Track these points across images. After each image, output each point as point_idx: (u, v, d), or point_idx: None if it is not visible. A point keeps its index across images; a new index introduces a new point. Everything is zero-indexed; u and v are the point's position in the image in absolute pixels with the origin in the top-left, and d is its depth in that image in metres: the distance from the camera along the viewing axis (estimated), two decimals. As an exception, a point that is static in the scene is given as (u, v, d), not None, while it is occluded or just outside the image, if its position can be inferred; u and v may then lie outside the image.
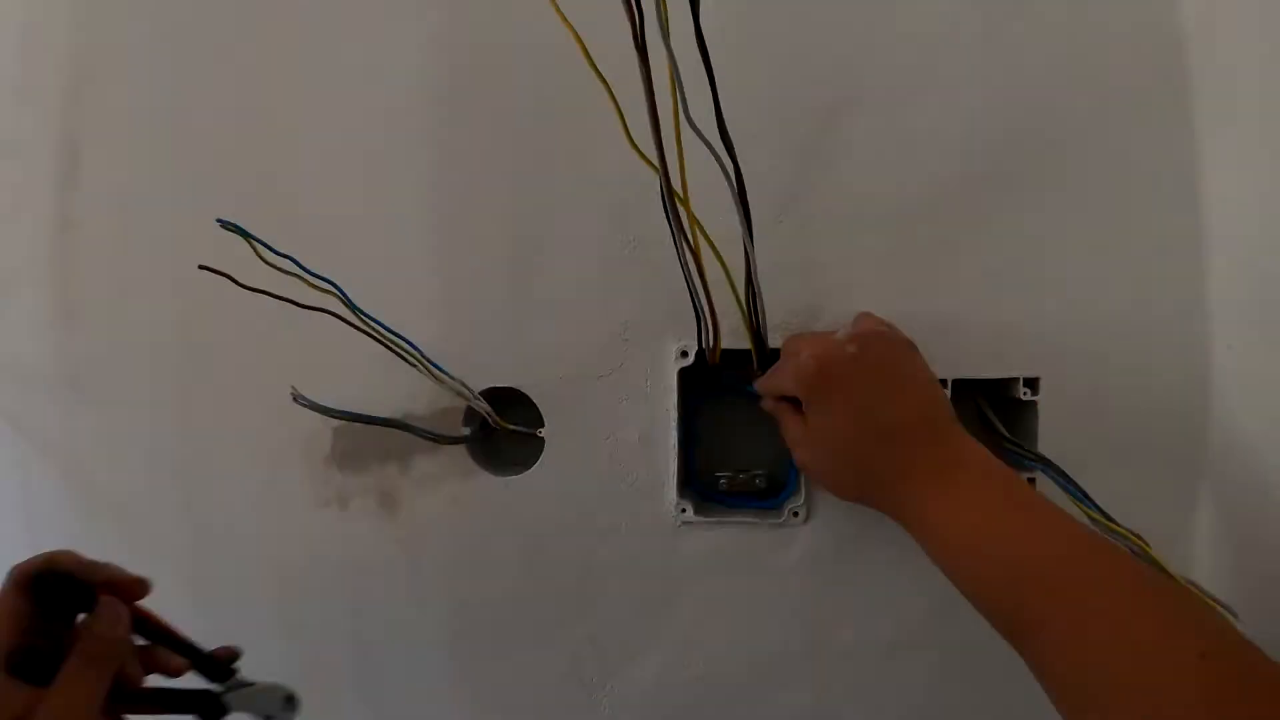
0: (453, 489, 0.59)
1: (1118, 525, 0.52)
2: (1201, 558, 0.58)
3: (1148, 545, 0.51)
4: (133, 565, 0.66)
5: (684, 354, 0.55)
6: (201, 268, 0.52)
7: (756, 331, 0.52)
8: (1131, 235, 0.58)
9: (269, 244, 0.52)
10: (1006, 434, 0.56)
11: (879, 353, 0.49)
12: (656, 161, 0.48)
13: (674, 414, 0.56)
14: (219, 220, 0.51)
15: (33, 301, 0.66)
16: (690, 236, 0.50)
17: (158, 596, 0.65)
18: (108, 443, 0.66)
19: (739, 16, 0.56)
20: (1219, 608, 0.49)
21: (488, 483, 0.59)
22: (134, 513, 0.67)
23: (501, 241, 0.58)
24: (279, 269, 0.52)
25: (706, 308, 0.52)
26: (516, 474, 0.59)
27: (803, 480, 0.57)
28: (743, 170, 0.48)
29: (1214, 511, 0.58)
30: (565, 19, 0.46)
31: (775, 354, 0.54)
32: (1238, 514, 0.56)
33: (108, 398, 0.66)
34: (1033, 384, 0.56)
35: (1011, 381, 0.56)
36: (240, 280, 0.52)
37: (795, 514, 0.56)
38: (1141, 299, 0.57)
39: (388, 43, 0.59)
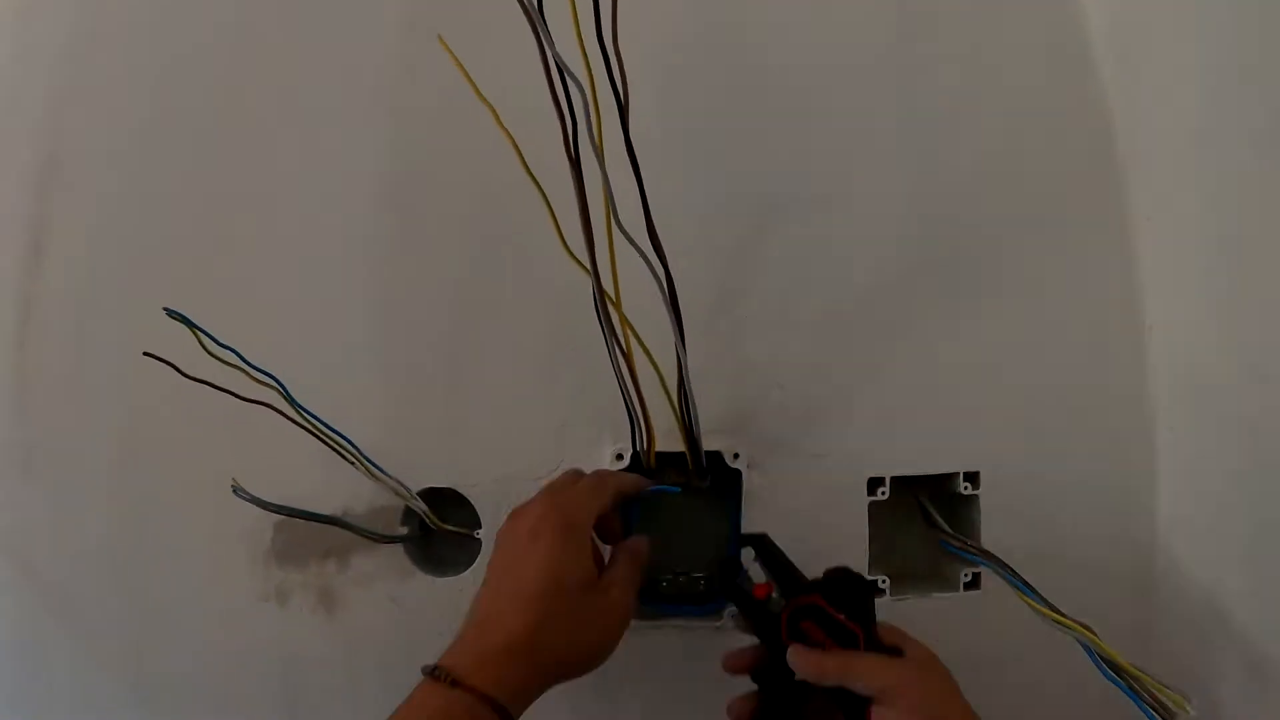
0: (390, 588, 0.59)
1: (1065, 618, 0.51)
2: (1157, 644, 0.57)
3: (1096, 636, 0.50)
4: (73, 650, 0.66)
5: (619, 456, 0.55)
6: (146, 354, 0.53)
7: (690, 433, 0.52)
8: (1068, 325, 0.58)
9: (213, 335, 0.53)
10: (948, 529, 0.56)
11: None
12: (589, 265, 0.49)
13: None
14: (165, 309, 0.52)
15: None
16: (622, 339, 0.51)
17: (94, 688, 0.65)
18: (53, 527, 0.66)
19: (670, 127, 0.57)
20: (1172, 695, 0.47)
21: (425, 583, 0.58)
22: (76, 595, 0.66)
23: (441, 341, 0.58)
24: (222, 360, 0.53)
25: (639, 410, 0.52)
26: (455, 574, 0.58)
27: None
28: (674, 274, 0.49)
29: (1167, 596, 0.57)
30: (504, 127, 0.48)
31: (711, 456, 0.54)
32: (1190, 597, 0.56)
33: (56, 482, 0.65)
34: (973, 478, 0.56)
35: (951, 476, 0.56)
36: (184, 370, 0.53)
37: (735, 617, 0.55)
38: (1081, 386, 0.58)
39: (339, 144, 0.60)
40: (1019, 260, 0.59)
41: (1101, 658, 0.49)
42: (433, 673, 0.42)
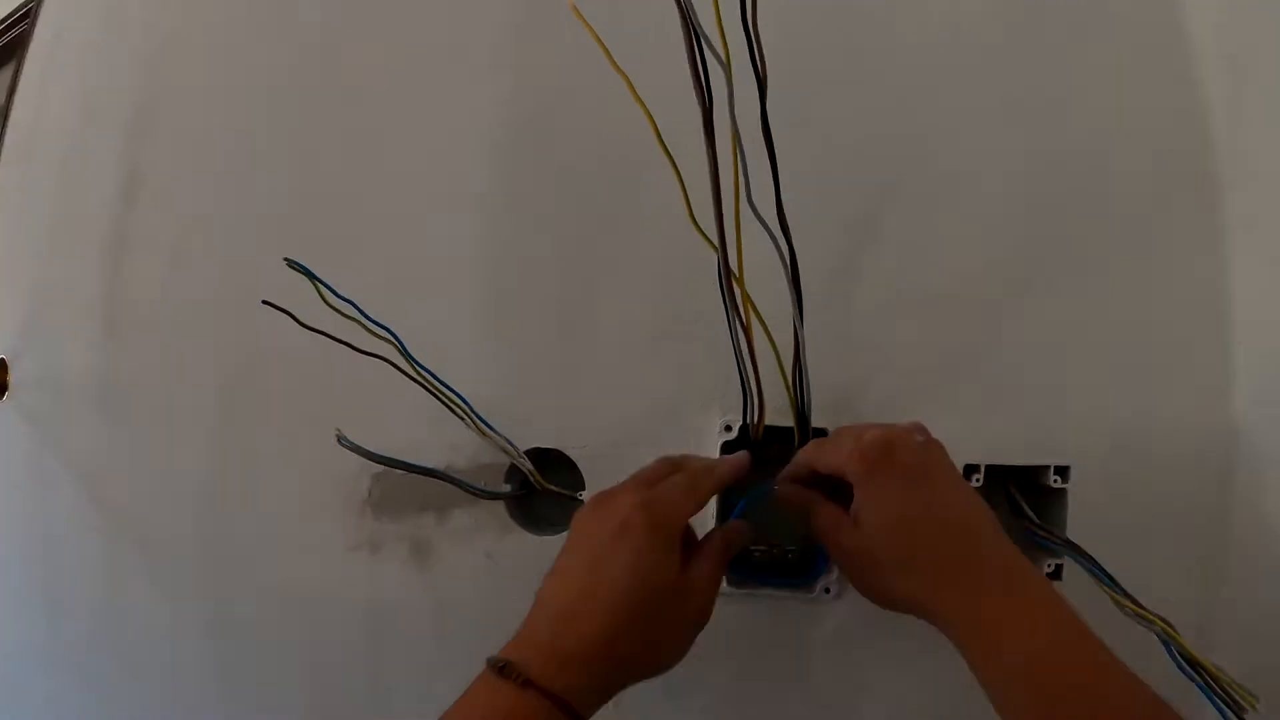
0: (487, 544, 0.60)
1: (1146, 610, 0.52)
2: (1226, 643, 0.59)
3: (1174, 630, 0.52)
4: (150, 594, 0.67)
5: (728, 428, 0.56)
6: (265, 303, 0.54)
7: (800, 410, 0.54)
8: (1157, 327, 0.59)
9: (333, 287, 0.54)
10: (1036, 519, 0.58)
11: (941, 450, 0.47)
12: (716, 240, 0.50)
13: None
14: (286, 260, 0.53)
15: (81, 315, 0.68)
16: (743, 315, 0.52)
17: (173, 627, 0.66)
18: (137, 465, 0.67)
19: (797, 103, 0.58)
20: (1243, 691, 0.49)
21: (524, 540, 0.60)
22: (162, 532, 0.67)
23: (556, 305, 0.59)
24: (341, 313, 0.54)
25: (755, 385, 0.53)
26: (554, 534, 0.59)
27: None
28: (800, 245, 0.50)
29: (1239, 596, 0.59)
30: (640, 99, 0.49)
31: (819, 433, 0.55)
32: (1262, 599, 0.57)
33: (143, 419, 0.67)
34: (1063, 472, 0.58)
35: (1042, 469, 0.58)
36: (302, 319, 0.54)
37: (827, 590, 0.57)
38: (1167, 387, 0.59)
39: (455, 100, 0.61)
40: (1115, 262, 0.60)
41: (1179, 653, 0.50)
42: (501, 669, 0.40)
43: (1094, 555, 0.55)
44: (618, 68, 0.48)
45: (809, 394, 0.53)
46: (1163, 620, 0.52)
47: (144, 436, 0.67)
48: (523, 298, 0.60)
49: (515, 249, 0.60)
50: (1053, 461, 0.58)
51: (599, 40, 0.48)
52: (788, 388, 0.53)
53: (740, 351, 0.52)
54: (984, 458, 0.57)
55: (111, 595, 0.69)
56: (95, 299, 0.67)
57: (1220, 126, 0.60)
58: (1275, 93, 0.60)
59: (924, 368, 0.58)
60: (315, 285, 0.54)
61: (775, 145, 0.49)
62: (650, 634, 0.42)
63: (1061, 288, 0.59)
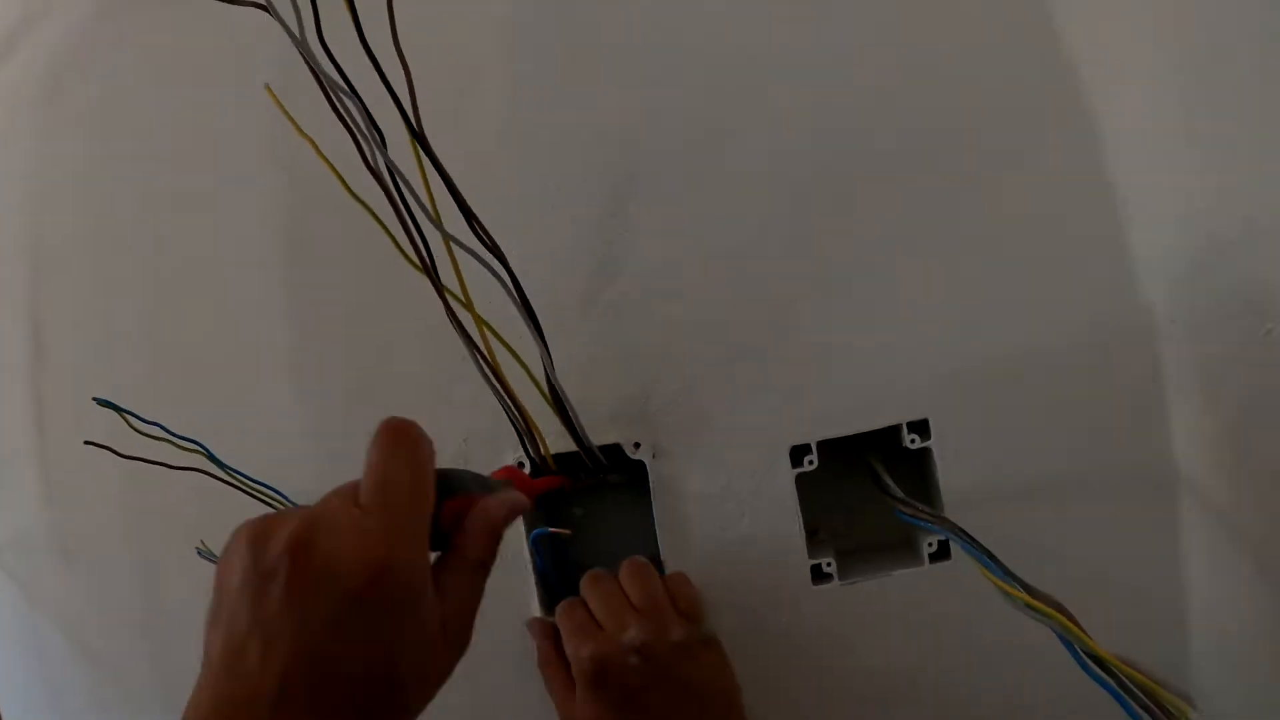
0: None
1: (1038, 601, 0.42)
2: (1194, 588, 0.46)
3: (1073, 623, 0.41)
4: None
5: (520, 465, 0.52)
6: (87, 443, 0.57)
7: (575, 432, 0.49)
8: (1017, 215, 0.49)
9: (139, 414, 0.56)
10: (898, 494, 0.48)
11: (666, 663, 0.44)
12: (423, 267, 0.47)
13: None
14: (95, 399, 0.56)
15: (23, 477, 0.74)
16: (480, 343, 0.48)
17: None
18: (99, 606, 0.72)
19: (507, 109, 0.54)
20: (1169, 696, 0.38)
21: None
22: (122, 668, 0.71)
23: (349, 383, 0.57)
24: (152, 436, 0.56)
25: (518, 415, 0.49)
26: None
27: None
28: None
29: (1198, 526, 0.46)
30: (325, 158, 0.48)
31: (610, 450, 0.50)
32: (1224, 524, 0.45)
33: (90, 565, 0.71)
34: (920, 428, 0.48)
35: (895, 429, 0.49)
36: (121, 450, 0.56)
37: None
38: (1046, 284, 0.48)
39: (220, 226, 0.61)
40: (945, 155, 0.50)
41: (1083, 650, 0.39)
42: None
43: (986, 519, 0.45)
44: (303, 133, 0.48)
45: (575, 414, 0.48)
46: (1060, 611, 0.41)
47: (97, 580, 0.72)
48: (319, 387, 0.58)
49: (300, 346, 0.59)
50: (903, 418, 0.48)
51: (286, 112, 0.48)
52: (555, 411, 0.48)
53: (492, 383, 0.48)
54: (813, 434, 0.48)
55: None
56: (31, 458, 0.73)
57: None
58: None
59: (717, 350, 0.50)
60: (123, 416, 0.57)
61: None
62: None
63: (878, 218, 0.50)
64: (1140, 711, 0.36)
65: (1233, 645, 0.45)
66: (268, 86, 0.49)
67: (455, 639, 0.35)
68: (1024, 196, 0.49)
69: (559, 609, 0.48)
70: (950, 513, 0.48)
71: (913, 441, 0.48)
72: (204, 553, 0.59)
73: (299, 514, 0.34)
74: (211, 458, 0.56)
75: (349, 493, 0.35)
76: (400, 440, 0.35)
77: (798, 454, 0.49)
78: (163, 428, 0.55)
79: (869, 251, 0.50)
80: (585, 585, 0.49)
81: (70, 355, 0.70)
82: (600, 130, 0.52)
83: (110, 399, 0.56)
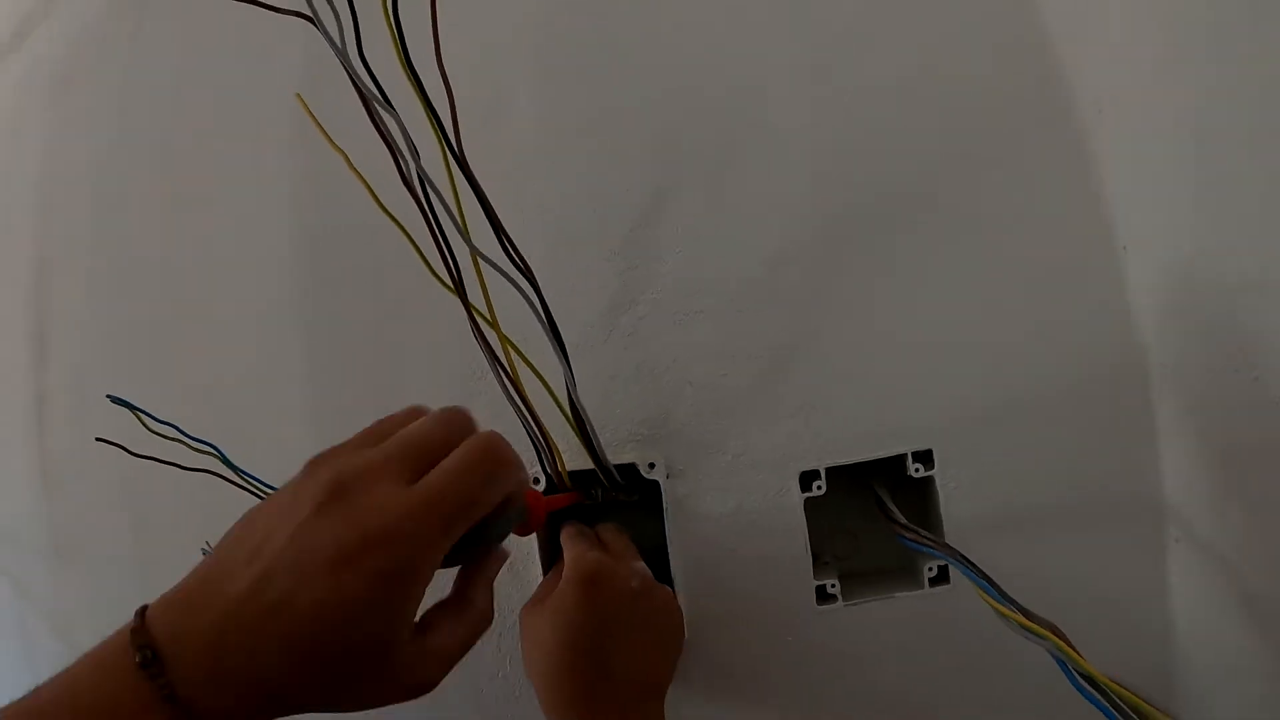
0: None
1: (1033, 622, 0.44)
2: (1180, 614, 0.48)
3: (1068, 644, 0.43)
4: None
5: (536, 481, 0.53)
6: (98, 439, 0.57)
7: (593, 451, 0.50)
8: (1021, 259, 0.51)
9: (153, 414, 0.56)
10: (902, 520, 0.50)
11: (655, 606, 0.48)
12: (452, 285, 0.48)
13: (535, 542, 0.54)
14: (109, 396, 0.56)
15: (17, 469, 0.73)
16: (504, 360, 0.49)
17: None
18: (89, 602, 0.71)
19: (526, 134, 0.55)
20: (1157, 714, 0.40)
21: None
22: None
23: (366, 393, 0.58)
24: (165, 436, 0.56)
25: (537, 432, 0.50)
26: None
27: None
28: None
29: (1185, 556, 0.48)
30: (356, 170, 0.48)
31: (625, 470, 0.51)
32: (1210, 556, 0.47)
33: (83, 560, 0.71)
34: (924, 458, 0.50)
35: (900, 458, 0.51)
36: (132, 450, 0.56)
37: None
38: (1046, 323, 0.50)
39: (243, 230, 0.62)
40: (952, 194, 0.52)
41: (1076, 670, 0.41)
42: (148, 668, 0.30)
43: (985, 549, 0.47)
44: (336, 146, 0.48)
45: (594, 433, 0.49)
46: (1054, 632, 0.43)
47: (90, 576, 0.72)
48: (335, 394, 0.59)
49: (319, 352, 0.59)
50: (909, 448, 0.50)
51: (318, 123, 0.48)
52: (574, 430, 0.50)
53: (514, 400, 0.50)
54: (822, 460, 0.50)
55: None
56: (26, 452, 0.73)
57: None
58: None
59: (734, 374, 0.52)
60: (137, 415, 0.57)
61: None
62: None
63: (888, 247, 0.52)
64: (1128, 730, 0.38)
65: (1217, 668, 0.48)
66: (299, 96, 0.50)
67: (419, 681, 0.34)
68: (1028, 239, 0.52)
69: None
70: (950, 539, 0.50)
71: (917, 470, 0.50)
72: (208, 553, 0.59)
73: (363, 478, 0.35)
74: (225, 460, 0.57)
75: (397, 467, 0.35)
76: (496, 462, 0.36)
77: (807, 479, 0.51)
78: (177, 429, 0.56)
79: (880, 289, 0.52)
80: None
81: (73, 354, 0.70)
82: (622, 155, 0.54)
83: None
